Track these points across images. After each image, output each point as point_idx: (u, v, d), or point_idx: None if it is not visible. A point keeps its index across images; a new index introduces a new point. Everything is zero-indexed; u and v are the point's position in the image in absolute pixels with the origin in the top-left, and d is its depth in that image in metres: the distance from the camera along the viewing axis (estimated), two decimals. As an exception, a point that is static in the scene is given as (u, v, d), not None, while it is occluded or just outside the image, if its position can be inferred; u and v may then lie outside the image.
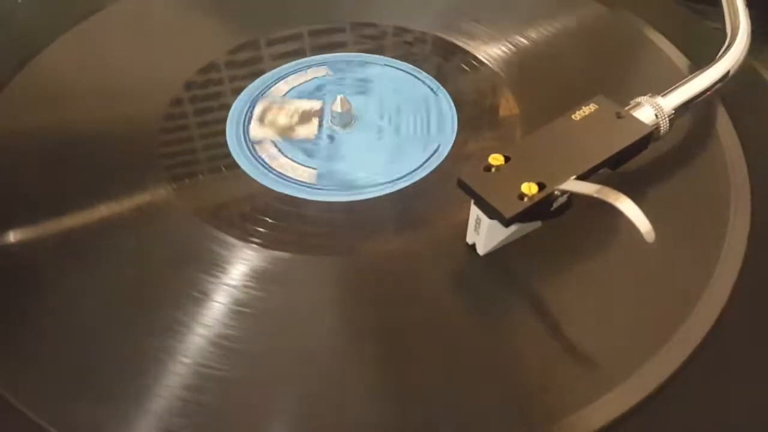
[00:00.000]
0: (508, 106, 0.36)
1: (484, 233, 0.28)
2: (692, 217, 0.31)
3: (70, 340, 0.27)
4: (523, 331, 0.27)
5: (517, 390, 0.26)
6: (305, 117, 0.36)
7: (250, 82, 0.38)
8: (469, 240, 0.29)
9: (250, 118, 0.37)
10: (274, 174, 0.34)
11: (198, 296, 0.28)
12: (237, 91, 0.38)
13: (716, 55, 0.34)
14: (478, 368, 0.26)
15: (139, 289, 0.29)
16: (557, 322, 0.27)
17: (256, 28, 0.41)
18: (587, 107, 0.30)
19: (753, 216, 0.31)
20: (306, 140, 0.35)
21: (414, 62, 0.39)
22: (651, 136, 0.30)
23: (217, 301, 0.28)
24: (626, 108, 0.31)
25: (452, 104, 0.37)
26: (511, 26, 0.41)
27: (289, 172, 0.34)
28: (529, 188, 0.27)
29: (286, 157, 0.34)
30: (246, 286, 0.29)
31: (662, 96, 0.31)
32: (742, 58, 0.34)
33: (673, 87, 0.32)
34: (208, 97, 0.38)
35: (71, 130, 0.36)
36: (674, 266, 0.29)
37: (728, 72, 0.33)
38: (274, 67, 0.39)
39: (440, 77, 0.38)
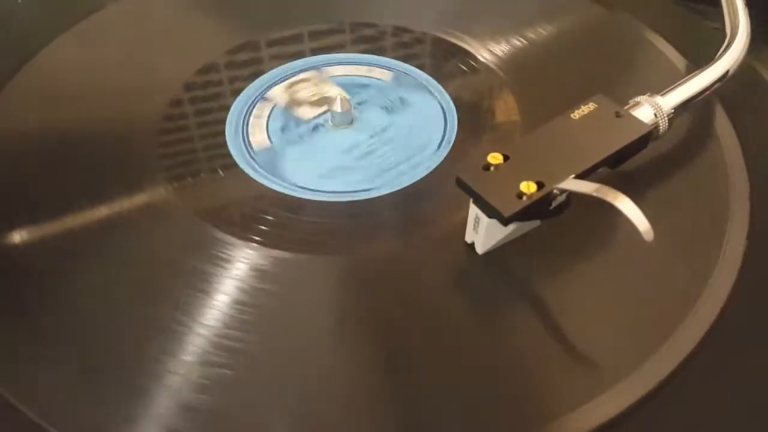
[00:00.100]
0: (507, 105, 0.36)
1: (483, 232, 0.28)
2: (691, 216, 0.31)
3: (71, 340, 0.27)
4: (522, 329, 0.27)
5: (515, 389, 0.26)
6: (321, 102, 0.37)
7: (250, 83, 0.38)
8: (468, 239, 0.29)
9: (250, 117, 0.37)
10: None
11: (198, 296, 0.28)
12: (237, 92, 0.38)
13: (715, 54, 0.34)
14: (477, 366, 0.26)
15: (139, 289, 0.29)
16: (556, 321, 0.27)
17: (255, 29, 0.41)
18: (586, 106, 0.30)
19: (752, 215, 0.31)
20: (297, 119, 0.36)
21: (413, 62, 0.39)
22: (650, 135, 0.30)
23: (217, 301, 0.28)
24: (625, 107, 0.31)
25: (452, 104, 0.37)
26: (510, 26, 0.41)
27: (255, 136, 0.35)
28: (528, 187, 0.27)
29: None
30: (246, 286, 0.29)
31: (661, 95, 0.31)
32: (741, 57, 0.34)
33: (673, 86, 0.32)
34: (208, 98, 0.38)
35: (71, 129, 0.36)
36: (673, 265, 0.29)
37: (727, 72, 0.33)
38: (274, 68, 0.39)
39: (440, 77, 0.38)
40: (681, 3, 0.45)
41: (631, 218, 0.25)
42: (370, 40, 0.41)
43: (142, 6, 0.44)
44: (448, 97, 0.37)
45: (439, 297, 0.29)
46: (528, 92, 0.37)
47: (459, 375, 0.26)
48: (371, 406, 0.26)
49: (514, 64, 0.39)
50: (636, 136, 0.29)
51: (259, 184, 0.33)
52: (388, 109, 0.36)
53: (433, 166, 0.34)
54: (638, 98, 0.31)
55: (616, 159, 0.29)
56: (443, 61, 0.39)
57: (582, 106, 0.30)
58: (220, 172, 0.34)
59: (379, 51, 0.40)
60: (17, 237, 0.31)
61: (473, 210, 0.28)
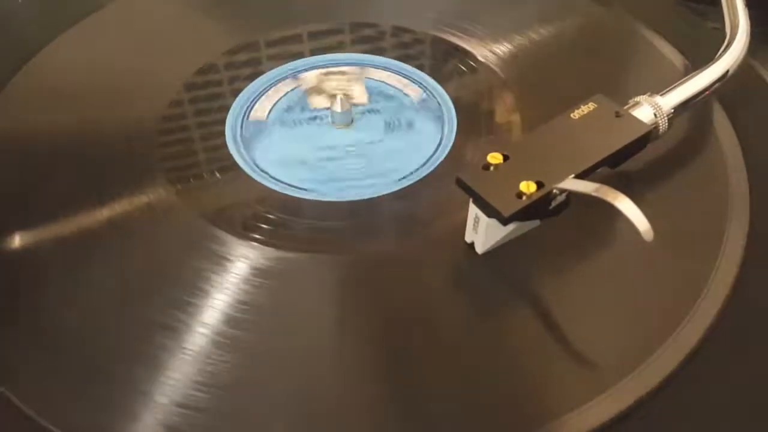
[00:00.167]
0: (506, 105, 0.36)
1: (483, 232, 0.28)
2: (691, 216, 0.31)
3: (71, 339, 0.27)
4: (522, 329, 0.27)
5: (515, 388, 0.26)
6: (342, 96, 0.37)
7: (250, 83, 0.38)
8: (468, 239, 0.29)
9: (269, 91, 0.38)
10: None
11: (199, 296, 0.28)
12: (236, 92, 0.38)
13: (715, 54, 0.34)
14: (477, 366, 0.26)
15: (139, 289, 0.29)
16: (556, 321, 0.27)
17: (255, 29, 0.41)
18: (586, 106, 0.30)
19: (752, 215, 0.31)
20: (306, 104, 0.36)
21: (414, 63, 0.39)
22: (650, 135, 0.30)
23: (217, 301, 0.28)
24: (625, 107, 0.31)
25: (451, 104, 0.37)
26: (510, 26, 0.41)
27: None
28: (528, 187, 0.27)
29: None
30: (246, 286, 0.29)
31: (661, 95, 0.31)
32: (741, 57, 0.34)
33: (672, 86, 0.32)
34: (208, 98, 0.38)
35: (71, 129, 0.36)
36: (673, 266, 0.29)
37: (727, 72, 0.33)
38: (273, 68, 0.39)
39: (440, 77, 0.38)
40: (681, 3, 0.45)
41: (630, 218, 0.25)
42: (370, 40, 0.41)
43: (142, 6, 0.44)
44: (447, 97, 0.37)
45: (439, 297, 0.29)
46: (528, 92, 0.37)
47: (459, 375, 0.26)
48: (371, 406, 0.26)
49: (513, 63, 0.39)
50: (636, 136, 0.29)
51: (259, 184, 0.33)
52: (390, 127, 0.36)
53: (433, 166, 0.34)
54: (638, 98, 0.31)
55: (616, 159, 0.29)
56: (443, 60, 0.39)
57: (582, 106, 0.30)
58: (221, 172, 0.34)
59: (378, 51, 0.40)
60: (17, 237, 0.31)
61: (473, 210, 0.28)
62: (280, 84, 0.38)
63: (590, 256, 0.29)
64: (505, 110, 0.36)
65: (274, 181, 0.33)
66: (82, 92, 0.38)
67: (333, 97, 0.36)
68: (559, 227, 0.29)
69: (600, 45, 0.40)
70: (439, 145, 0.35)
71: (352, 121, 0.36)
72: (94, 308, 0.29)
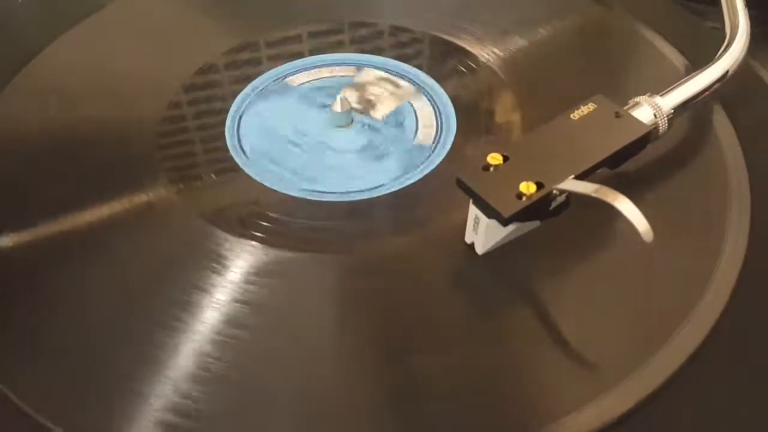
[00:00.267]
0: (506, 105, 0.36)
1: (483, 232, 0.28)
2: (691, 217, 0.31)
3: (71, 339, 0.28)
4: (522, 330, 0.27)
5: (515, 389, 0.26)
6: (364, 101, 0.37)
7: (249, 83, 0.38)
8: (468, 239, 0.29)
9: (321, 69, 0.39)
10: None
11: (199, 295, 0.28)
12: (236, 92, 0.38)
13: (715, 55, 0.34)
14: (477, 367, 0.26)
15: (140, 289, 0.29)
16: (556, 322, 0.27)
17: (255, 29, 0.41)
18: (586, 107, 0.30)
19: (753, 216, 0.31)
20: (337, 95, 0.36)
21: (412, 62, 0.39)
22: (650, 135, 0.30)
23: (217, 300, 0.28)
24: (625, 107, 0.31)
25: (451, 104, 0.37)
26: (510, 26, 0.41)
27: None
28: (528, 187, 0.27)
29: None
30: (246, 286, 0.29)
31: (661, 96, 0.31)
32: (741, 58, 0.34)
33: (672, 87, 0.32)
34: (208, 98, 0.38)
35: (71, 130, 0.36)
36: (673, 267, 0.29)
37: (727, 72, 0.33)
38: (273, 68, 0.39)
39: (439, 77, 0.38)
40: (681, 3, 0.45)
41: (630, 219, 0.25)
42: (368, 40, 0.41)
43: (142, 6, 0.44)
44: (447, 97, 0.37)
45: (439, 297, 0.29)
46: (527, 91, 0.37)
47: (459, 375, 0.26)
48: (371, 406, 0.26)
49: (513, 63, 0.39)
50: (635, 137, 0.29)
51: (260, 183, 0.33)
52: (373, 151, 0.35)
53: (433, 166, 0.34)
54: (638, 98, 0.31)
55: (616, 159, 0.29)
56: (442, 60, 0.39)
57: (581, 107, 0.30)
58: (221, 172, 0.34)
59: (376, 51, 0.40)
60: (17, 237, 0.31)
61: (473, 210, 0.28)
62: (338, 68, 0.39)
63: (590, 257, 0.29)
64: (505, 110, 0.36)
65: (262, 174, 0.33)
66: (82, 93, 0.38)
67: (359, 98, 0.36)
68: (559, 228, 0.29)
69: (600, 45, 0.40)
70: (437, 145, 0.35)
71: (350, 123, 0.36)
72: (93, 307, 0.29)
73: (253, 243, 0.30)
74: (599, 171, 0.29)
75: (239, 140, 0.35)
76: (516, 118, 0.36)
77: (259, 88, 0.38)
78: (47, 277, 0.30)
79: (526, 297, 0.28)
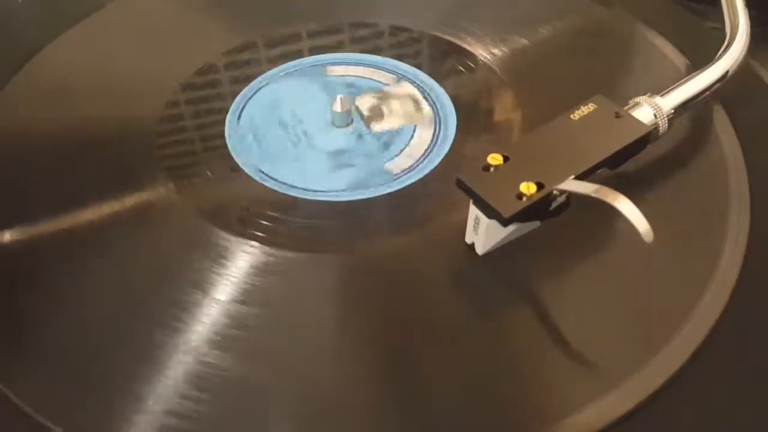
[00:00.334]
0: (506, 105, 0.36)
1: (483, 233, 0.28)
2: (691, 217, 0.31)
3: (71, 339, 0.28)
4: (522, 331, 0.27)
5: (515, 390, 0.26)
6: (375, 109, 0.36)
7: (249, 83, 0.38)
8: (468, 240, 0.29)
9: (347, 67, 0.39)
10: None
11: (198, 295, 0.28)
12: (235, 92, 0.38)
13: (715, 55, 0.34)
14: (477, 368, 0.26)
15: (140, 288, 0.29)
16: (556, 323, 0.27)
17: (254, 29, 0.41)
18: (586, 107, 0.30)
19: (753, 216, 0.31)
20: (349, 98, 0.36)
21: (412, 62, 0.39)
22: (650, 136, 0.30)
23: (217, 300, 0.28)
24: (625, 108, 0.31)
25: (451, 104, 0.37)
26: (510, 26, 0.41)
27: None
28: (528, 188, 0.27)
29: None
30: (246, 286, 0.29)
31: (661, 96, 0.31)
32: (741, 58, 0.34)
33: (672, 87, 0.32)
34: (208, 98, 0.38)
35: (71, 129, 0.36)
36: (674, 267, 0.29)
37: (727, 72, 0.33)
38: (272, 68, 0.39)
39: (439, 77, 0.38)
40: (681, 3, 0.45)
41: (630, 219, 0.25)
42: (367, 40, 0.41)
43: (142, 6, 0.44)
44: (447, 97, 0.37)
45: (439, 298, 0.29)
46: (527, 91, 0.37)
47: (459, 375, 0.26)
48: (371, 406, 0.26)
49: (513, 63, 0.39)
50: (635, 137, 0.29)
51: (259, 183, 0.33)
52: (341, 158, 0.34)
53: (433, 166, 0.33)
54: (638, 99, 0.31)
55: (616, 160, 0.29)
56: (442, 60, 0.39)
57: (582, 107, 0.30)
58: (220, 172, 0.34)
59: (376, 51, 0.40)
60: (17, 236, 0.31)
61: (473, 211, 0.28)
62: (380, 72, 0.39)
63: (591, 257, 0.29)
64: (505, 110, 0.36)
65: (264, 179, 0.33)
66: (82, 92, 0.38)
67: (379, 111, 0.36)
68: (559, 228, 0.29)
69: (600, 45, 0.40)
70: (437, 145, 0.35)
71: (351, 122, 0.36)
72: (93, 307, 0.29)
73: (253, 243, 0.30)
74: (599, 171, 0.29)
75: (239, 140, 0.35)
76: (516, 117, 0.36)
77: (294, 69, 0.39)
78: (47, 276, 0.30)
79: (526, 297, 0.28)
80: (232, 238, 0.30)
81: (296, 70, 0.39)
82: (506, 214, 0.27)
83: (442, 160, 0.34)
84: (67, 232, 0.32)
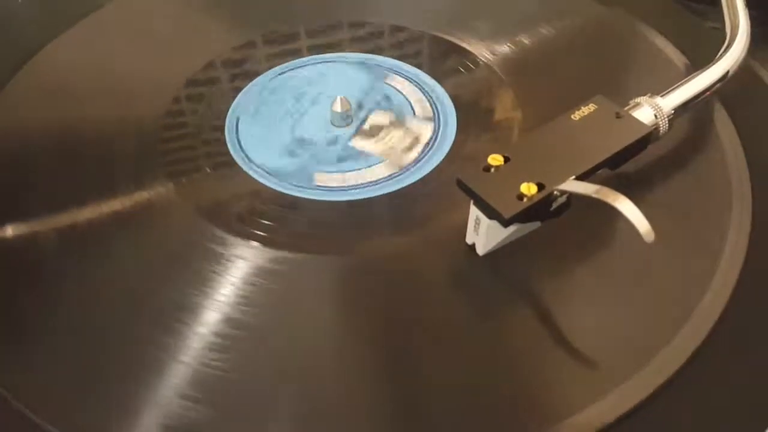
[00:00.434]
0: (507, 106, 0.36)
1: (484, 233, 0.28)
2: (692, 217, 0.31)
3: (71, 339, 0.28)
4: (523, 331, 0.27)
5: (515, 390, 0.26)
6: (375, 129, 0.36)
7: (249, 82, 0.38)
8: (469, 240, 0.29)
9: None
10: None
11: (198, 295, 0.28)
12: (236, 91, 0.38)
13: (715, 55, 0.34)
14: (478, 368, 0.26)
15: (140, 288, 0.29)
16: (557, 323, 0.27)
17: (255, 28, 0.41)
18: (586, 107, 0.30)
19: (754, 216, 0.31)
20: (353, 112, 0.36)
21: (413, 62, 0.39)
22: (650, 136, 0.30)
23: (217, 300, 0.28)
24: (625, 108, 0.31)
25: (451, 104, 0.37)
26: (510, 26, 0.41)
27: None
28: (529, 188, 0.27)
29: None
30: (246, 284, 0.29)
31: (661, 96, 0.31)
32: (741, 58, 0.34)
33: (673, 87, 0.32)
34: (208, 97, 0.38)
35: (71, 128, 0.36)
36: (674, 267, 0.29)
37: (728, 72, 0.33)
38: (273, 66, 0.39)
39: (439, 77, 0.38)
40: (681, 3, 0.45)
41: (631, 220, 0.25)
42: (367, 40, 0.41)
43: (142, 6, 0.44)
44: (447, 97, 0.37)
45: (440, 298, 0.29)
46: (528, 92, 0.37)
47: (459, 375, 0.26)
48: (371, 406, 0.26)
49: (513, 63, 0.39)
50: (636, 138, 0.29)
51: (259, 183, 0.33)
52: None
53: (433, 166, 0.33)
54: (638, 99, 0.31)
55: (617, 160, 0.29)
56: (442, 60, 0.39)
57: (582, 107, 0.30)
58: (221, 171, 0.34)
59: (377, 50, 0.40)
60: (18, 235, 0.31)
61: (474, 211, 0.28)
62: (392, 78, 0.38)
63: (591, 258, 0.29)
64: (505, 110, 0.36)
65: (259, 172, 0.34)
66: (82, 91, 0.38)
67: (375, 130, 0.36)
68: (559, 229, 0.29)
69: (600, 45, 0.40)
70: (436, 144, 0.35)
71: (346, 124, 0.36)
72: (93, 307, 0.29)
73: (253, 243, 0.30)
74: (600, 172, 0.29)
75: (239, 139, 0.35)
76: (516, 118, 0.36)
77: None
78: (47, 276, 0.30)
79: (526, 297, 0.28)
80: (232, 238, 0.30)
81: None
82: (507, 215, 0.27)
83: (443, 160, 0.34)
84: (67, 232, 0.32)
